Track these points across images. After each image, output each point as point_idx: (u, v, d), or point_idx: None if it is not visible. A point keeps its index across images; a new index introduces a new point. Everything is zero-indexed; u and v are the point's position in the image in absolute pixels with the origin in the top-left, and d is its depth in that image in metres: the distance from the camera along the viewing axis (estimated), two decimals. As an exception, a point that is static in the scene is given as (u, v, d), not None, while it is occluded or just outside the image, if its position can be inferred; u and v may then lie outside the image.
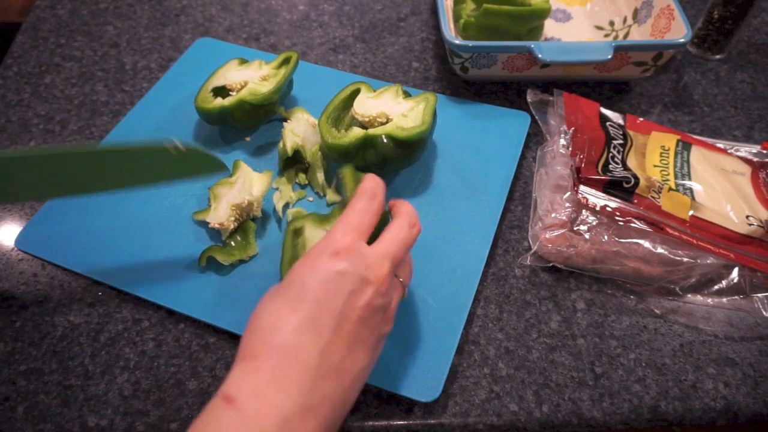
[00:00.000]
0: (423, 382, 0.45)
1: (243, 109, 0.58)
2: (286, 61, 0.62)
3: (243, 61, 0.64)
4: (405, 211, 0.41)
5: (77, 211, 0.56)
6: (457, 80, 0.70)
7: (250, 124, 0.61)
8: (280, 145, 0.58)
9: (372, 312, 0.36)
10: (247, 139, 0.62)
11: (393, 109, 0.55)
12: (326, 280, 0.35)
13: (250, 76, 0.61)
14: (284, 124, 0.59)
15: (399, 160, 0.54)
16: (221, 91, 0.61)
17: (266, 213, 0.56)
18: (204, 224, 0.54)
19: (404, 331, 0.48)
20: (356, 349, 0.35)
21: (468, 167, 0.59)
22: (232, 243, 0.52)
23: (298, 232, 0.48)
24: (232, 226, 0.53)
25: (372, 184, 0.41)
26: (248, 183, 0.54)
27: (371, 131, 0.53)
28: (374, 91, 0.58)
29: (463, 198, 0.57)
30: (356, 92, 0.58)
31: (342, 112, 0.58)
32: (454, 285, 0.50)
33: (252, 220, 0.54)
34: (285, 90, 0.62)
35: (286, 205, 0.56)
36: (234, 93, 0.60)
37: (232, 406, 0.31)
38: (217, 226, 0.52)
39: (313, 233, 0.47)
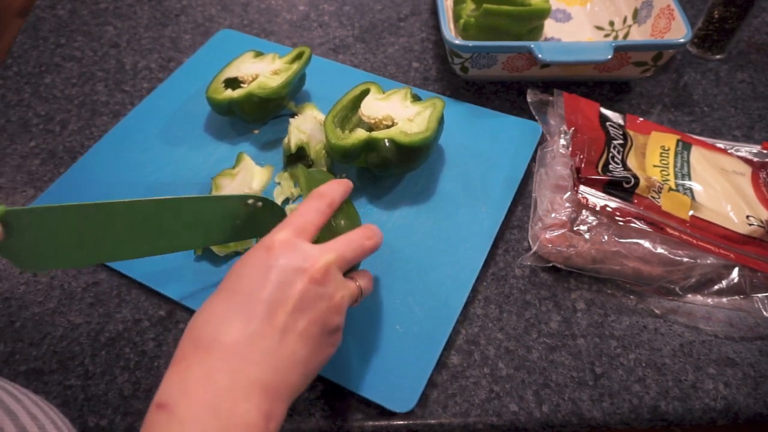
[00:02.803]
0: (399, 393, 0.44)
1: (251, 102, 0.58)
2: (299, 57, 0.63)
3: (258, 54, 0.65)
4: (367, 225, 0.42)
5: (83, 196, 0.57)
6: (457, 80, 0.70)
7: (258, 117, 0.61)
8: (285, 140, 0.58)
9: (309, 302, 0.35)
10: (256, 131, 0.63)
11: (399, 113, 0.55)
12: (259, 272, 0.36)
13: (262, 70, 0.61)
14: (290, 120, 0.59)
15: (400, 165, 0.54)
16: (234, 83, 0.61)
17: None
18: None
19: (386, 337, 0.47)
20: (291, 339, 0.35)
21: (472, 176, 0.58)
22: None
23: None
24: None
25: (324, 187, 0.42)
26: (249, 176, 0.55)
27: (374, 134, 0.53)
28: (383, 92, 0.58)
29: (463, 208, 0.56)
30: (366, 92, 0.58)
31: (350, 112, 0.57)
32: (443, 296, 0.50)
33: None
34: (296, 85, 0.62)
35: (286, 201, 0.56)
36: (245, 85, 0.60)
37: (164, 411, 0.31)
38: None
39: None
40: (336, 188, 0.42)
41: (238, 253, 0.52)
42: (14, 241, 0.37)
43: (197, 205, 0.43)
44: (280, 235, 0.37)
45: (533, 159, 0.62)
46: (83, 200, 0.54)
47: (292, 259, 0.36)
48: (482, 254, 0.52)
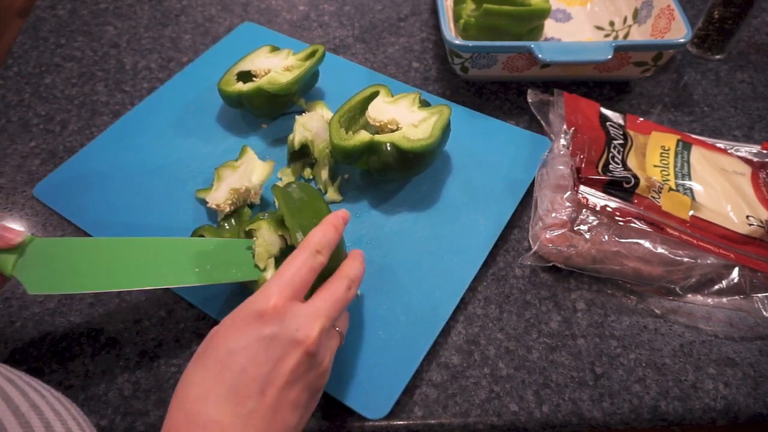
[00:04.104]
0: (373, 398, 0.44)
1: (261, 97, 0.59)
2: (312, 54, 0.63)
3: (274, 49, 0.65)
4: (345, 274, 0.40)
5: (93, 173, 0.59)
6: (457, 80, 0.70)
7: (266, 111, 0.62)
8: (290, 137, 0.59)
9: (300, 374, 0.35)
10: (264, 126, 0.64)
11: (405, 118, 0.55)
12: (251, 347, 0.35)
13: (275, 65, 0.62)
14: (297, 117, 0.59)
15: (401, 170, 0.53)
16: (248, 76, 0.62)
17: (268, 202, 0.57)
18: (205, 203, 0.55)
19: (367, 342, 0.47)
20: (283, 412, 0.35)
21: (476, 186, 0.58)
22: (225, 226, 0.53)
23: (250, 234, 0.48)
24: (227, 209, 0.53)
25: (319, 237, 0.39)
26: (250, 169, 0.55)
27: (377, 137, 0.52)
28: (392, 96, 0.58)
29: (462, 218, 0.55)
30: (375, 94, 0.58)
31: (358, 113, 0.57)
32: (430, 306, 0.49)
33: (249, 207, 0.55)
34: (307, 82, 0.62)
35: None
36: (258, 79, 0.61)
37: None
38: (214, 206, 0.53)
39: (270, 236, 0.47)
40: (332, 237, 0.40)
41: None
42: (29, 266, 0.42)
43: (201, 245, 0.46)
44: (274, 299, 0.36)
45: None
46: (99, 174, 0.58)
47: (286, 329, 0.35)
48: (474, 268, 0.52)
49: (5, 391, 0.31)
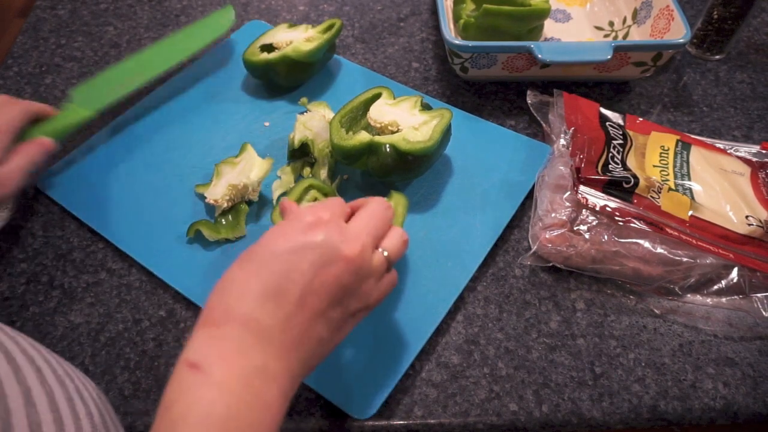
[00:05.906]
0: (360, 398, 0.44)
1: (285, 64, 0.63)
2: (330, 28, 0.67)
3: (292, 25, 0.69)
4: (376, 198, 0.42)
5: (95, 166, 0.60)
6: (457, 80, 0.70)
7: (290, 79, 0.66)
8: (291, 135, 0.59)
9: (340, 288, 0.36)
10: (266, 124, 0.64)
11: (406, 120, 0.55)
12: (296, 250, 0.35)
13: (296, 37, 0.65)
14: (298, 116, 0.60)
15: (400, 173, 0.53)
16: (268, 49, 0.66)
17: (266, 199, 0.57)
18: (203, 198, 0.56)
19: (358, 342, 0.47)
20: (318, 323, 0.35)
21: (474, 192, 0.57)
22: (223, 221, 0.54)
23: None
24: (225, 205, 0.54)
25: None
26: (249, 166, 0.56)
27: (376, 138, 0.52)
28: (394, 98, 0.58)
29: (459, 223, 0.55)
30: (377, 96, 0.58)
31: (360, 114, 0.58)
32: (421, 309, 0.49)
33: (247, 204, 0.55)
34: (326, 53, 0.67)
35: (284, 194, 0.57)
36: (280, 50, 0.64)
37: (199, 373, 0.32)
38: (212, 201, 0.54)
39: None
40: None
41: (228, 241, 0.53)
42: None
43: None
44: (325, 213, 0.38)
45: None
46: (102, 166, 0.61)
47: (331, 239, 0.36)
48: (468, 273, 0.51)
49: (5, 346, 0.30)
